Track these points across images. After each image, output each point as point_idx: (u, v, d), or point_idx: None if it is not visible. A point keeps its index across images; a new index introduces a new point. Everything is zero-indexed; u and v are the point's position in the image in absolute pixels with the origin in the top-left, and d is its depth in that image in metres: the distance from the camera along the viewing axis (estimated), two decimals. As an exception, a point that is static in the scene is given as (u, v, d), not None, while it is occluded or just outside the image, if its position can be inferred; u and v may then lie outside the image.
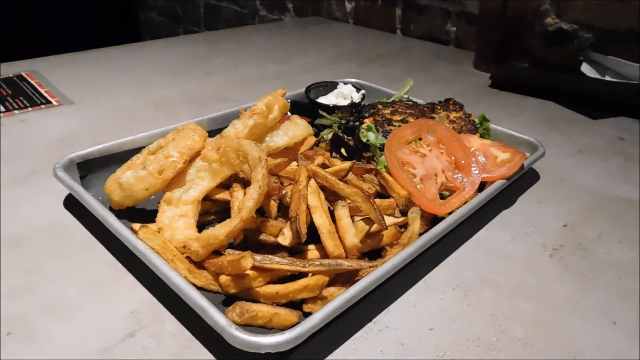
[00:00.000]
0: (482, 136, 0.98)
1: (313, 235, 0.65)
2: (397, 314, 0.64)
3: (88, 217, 0.75)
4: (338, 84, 1.23)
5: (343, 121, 0.99)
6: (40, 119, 1.17)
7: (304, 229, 0.63)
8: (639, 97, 1.30)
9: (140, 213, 0.79)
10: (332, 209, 0.69)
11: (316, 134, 0.97)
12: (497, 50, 1.62)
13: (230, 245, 0.67)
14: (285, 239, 0.66)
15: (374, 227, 0.69)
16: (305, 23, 2.33)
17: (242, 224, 0.63)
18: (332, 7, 2.36)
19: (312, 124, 0.97)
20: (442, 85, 1.51)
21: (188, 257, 0.65)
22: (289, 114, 0.99)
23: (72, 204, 0.82)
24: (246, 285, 0.61)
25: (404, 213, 0.76)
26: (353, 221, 0.67)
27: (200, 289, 0.62)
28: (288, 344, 0.52)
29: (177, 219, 0.72)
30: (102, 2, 3.32)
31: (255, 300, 0.61)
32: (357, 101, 1.14)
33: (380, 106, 1.03)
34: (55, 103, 1.26)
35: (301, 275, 0.63)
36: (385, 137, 0.88)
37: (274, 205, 0.71)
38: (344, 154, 0.91)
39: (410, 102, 1.07)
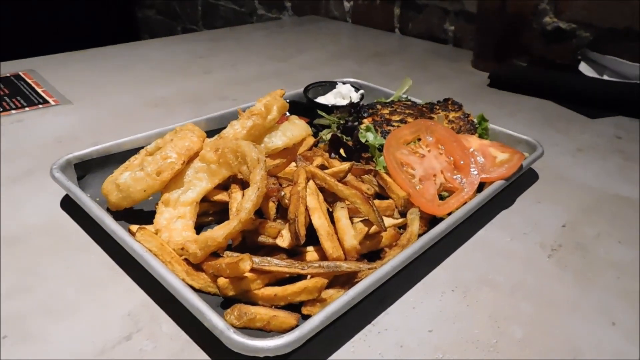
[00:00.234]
0: (480, 136, 0.98)
1: (312, 236, 0.65)
2: (396, 316, 0.64)
3: (85, 218, 0.75)
4: (337, 84, 1.22)
5: (342, 121, 0.98)
6: (37, 119, 1.16)
7: (302, 231, 0.63)
8: (637, 96, 1.30)
9: (138, 214, 0.78)
10: (331, 210, 0.69)
11: (315, 134, 0.96)
12: (495, 49, 1.62)
13: (229, 247, 0.67)
14: (284, 240, 0.66)
15: (373, 228, 0.69)
16: (304, 22, 2.32)
17: (240, 225, 0.63)
18: (330, 5, 2.36)
19: (310, 124, 0.97)
20: (441, 83, 1.51)
21: (186, 259, 0.65)
22: (287, 113, 0.98)
23: (70, 205, 0.82)
24: (244, 287, 0.61)
25: (403, 214, 0.75)
26: (352, 222, 0.67)
27: (198, 291, 0.62)
28: (287, 348, 0.52)
29: (175, 221, 0.71)
30: (100, 1, 3.31)
31: (254, 303, 0.61)
32: (355, 101, 1.13)
33: (379, 106, 1.02)
34: (52, 102, 1.26)
35: (300, 277, 0.62)
36: (384, 138, 0.88)
37: (272, 207, 0.70)
38: (343, 154, 0.90)
39: (409, 102, 1.07)
